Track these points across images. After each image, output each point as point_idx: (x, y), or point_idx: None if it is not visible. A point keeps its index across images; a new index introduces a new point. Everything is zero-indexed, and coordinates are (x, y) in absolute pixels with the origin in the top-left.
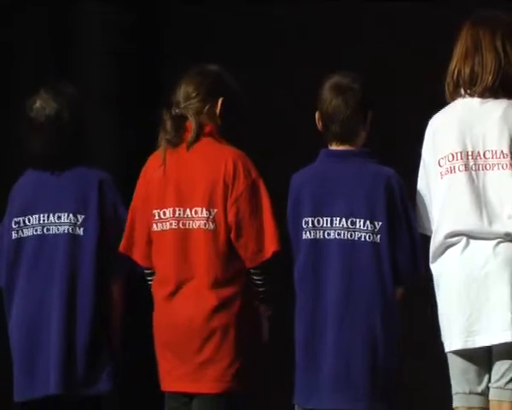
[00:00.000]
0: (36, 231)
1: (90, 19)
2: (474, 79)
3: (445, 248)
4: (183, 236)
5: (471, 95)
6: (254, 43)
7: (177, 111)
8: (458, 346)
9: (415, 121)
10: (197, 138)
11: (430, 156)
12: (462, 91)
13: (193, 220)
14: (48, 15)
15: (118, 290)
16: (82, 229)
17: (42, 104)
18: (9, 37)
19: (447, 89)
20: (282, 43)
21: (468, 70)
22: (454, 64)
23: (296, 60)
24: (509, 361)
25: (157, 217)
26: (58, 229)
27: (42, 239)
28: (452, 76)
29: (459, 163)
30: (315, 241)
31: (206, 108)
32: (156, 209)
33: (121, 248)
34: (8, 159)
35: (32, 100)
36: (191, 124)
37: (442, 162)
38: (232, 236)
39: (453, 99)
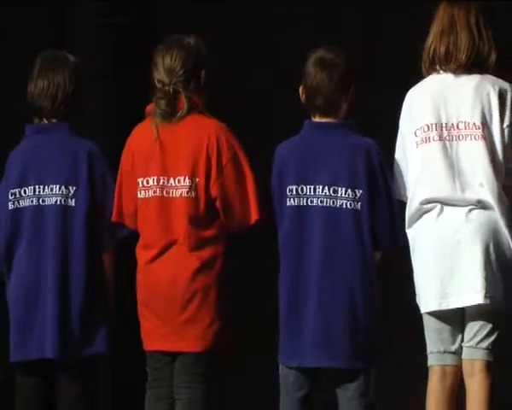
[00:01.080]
0: (32, 202)
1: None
2: (449, 58)
3: (421, 214)
4: (166, 203)
5: (446, 71)
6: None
7: (168, 89)
8: (433, 307)
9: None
10: (188, 113)
11: (407, 127)
12: (438, 68)
13: (176, 189)
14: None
15: (109, 257)
16: (74, 200)
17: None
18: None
19: (423, 65)
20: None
21: (443, 49)
22: (430, 42)
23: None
24: (481, 322)
25: (141, 185)
26: (51, 200)
27: (38, 210)
28: (428, 53)
29: (434, 134)
30: (298, 208)
31: (192, 82)
32: (140, 177)
33: (113, 217)
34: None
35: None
36: (182, 99)
37: (418, 133)
38: (219, 205)
39: (429, 74)
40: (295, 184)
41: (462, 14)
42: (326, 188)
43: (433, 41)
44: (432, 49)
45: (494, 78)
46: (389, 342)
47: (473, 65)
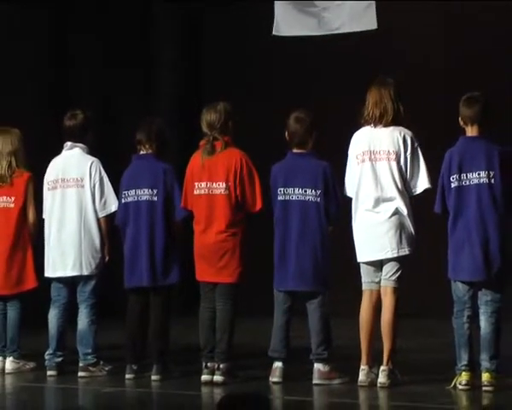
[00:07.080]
0: (134, 198)
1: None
2: (369, 119)
3: (360, 205)
4: (211, 197)
5: (373, 126)
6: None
7: (211, 137)
8: (364, 259)
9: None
10: (224, 148)
11: (352, 154)
12: (367, 123)
13: (217, 189)
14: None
15: (178, 228)
16: (156, 197)
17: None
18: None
19: (362, 120)
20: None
21: (366, 113)
22: (364, 108)
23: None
24: (391, 266)
25: (196, 186)
26: (144, 197)
27: (137, 203)
28: (363, 115)
29: (366, 157)
30: (284, 201)
31: (224, 130)
32: (196, 182)
33: (182, 203)
34: (119, 158)
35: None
36: (220, 142)
37: (358, 156)
38: (239, 198)
39: (365, 125)
40: (283, 187)
41: (374, 93)
42: (300, 189)
43: (364, 109)
44: (364, 114)
45: (401, 127)
46: (342, 277)
47: (383, 121)
